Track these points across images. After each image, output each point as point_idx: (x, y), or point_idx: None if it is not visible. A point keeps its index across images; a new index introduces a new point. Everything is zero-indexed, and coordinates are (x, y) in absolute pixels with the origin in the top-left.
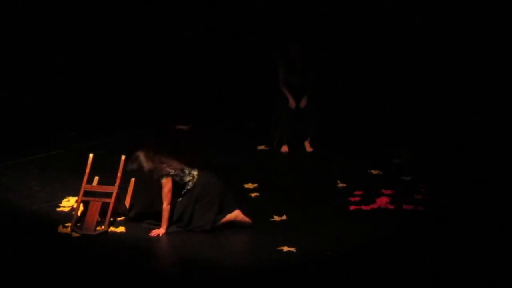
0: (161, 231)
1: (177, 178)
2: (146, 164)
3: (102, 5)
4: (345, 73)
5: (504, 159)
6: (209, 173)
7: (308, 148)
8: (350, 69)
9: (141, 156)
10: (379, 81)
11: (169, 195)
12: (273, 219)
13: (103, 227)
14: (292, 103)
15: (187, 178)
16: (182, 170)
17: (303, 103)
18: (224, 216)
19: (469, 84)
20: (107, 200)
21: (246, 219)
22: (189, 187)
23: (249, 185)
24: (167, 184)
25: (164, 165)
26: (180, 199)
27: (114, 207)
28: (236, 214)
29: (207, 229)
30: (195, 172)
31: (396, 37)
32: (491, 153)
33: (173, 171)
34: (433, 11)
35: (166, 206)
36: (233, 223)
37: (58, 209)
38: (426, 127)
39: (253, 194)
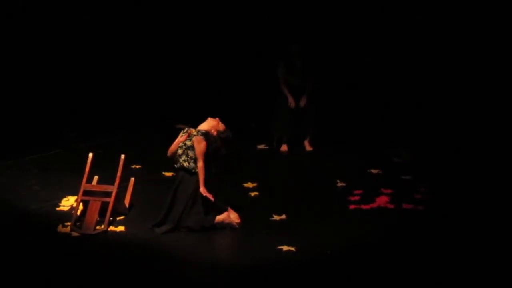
0: (202, 189)
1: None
2: (223, 131)
3: (102, 5)
4: (345, 73)
5: (504, 159)
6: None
7: (308, 148)
8: (350, 69)
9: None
10: (379, 81)
11: (202, 154)
12: (272, 218)
13: (102, 226)
14: (291, 102)
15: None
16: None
17: (302, 102)
18: (214, 217)
19: (469, 84)
20: (106, 199)
21: (234, 222)
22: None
23: (249, 184)
24: (201, 144)
25: (214, 141)
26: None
27: (113, 207)
28: (224, 217)
29: (196, 229)
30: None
31: (395, 37)
32: (491, 153)
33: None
34: (433, 11)
35: (200, 163)
36: (222, 224)
37: (57, 209)
38: (426, 127)
39: (252, 194)
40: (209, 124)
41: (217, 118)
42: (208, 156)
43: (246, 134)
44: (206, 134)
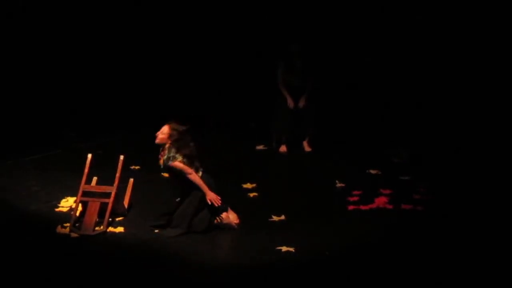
0: (210, 196)
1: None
2: (171, 134)
3: (101, 5)
4: (345, 73)
5: (504, 159)
6: (207, 174)
7: (307, 148)
8: (350, 69)
9: (169, 126)
10: (379, 81)
11: (186, 168)
12: (271, 219)
13: (101, 227)
14: (290, 103)
15: (193, 168)
16: (191, 161)
17: (302, 103)
18: (215, 218)
19: (469, 84)
20: (105, 200)
21: (233, 222)
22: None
23: (248, 185)
24: (178, 165)
25: (180, 145)
26: (179, 199)
27: (112, 207)
28: (224, 217)
29: (198, 230)
30: (201, 169)
31: (395, 37)
32: (491, 153)
33: (181, 158)
34: (433, 11)
35: (191, 176)
36: (221, 224)
37: (56, 210)
38: (426, 127)
39: (251, 194)
40: (164, 140)
41: (157, 133)
42: (191, 159)
43: (246, 135)
44: (171, 156)
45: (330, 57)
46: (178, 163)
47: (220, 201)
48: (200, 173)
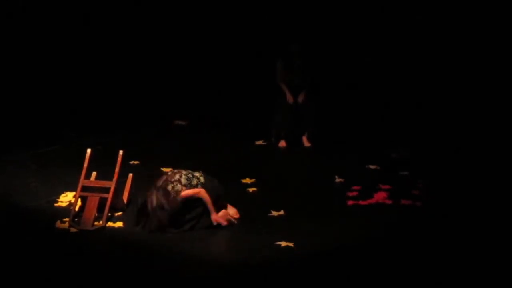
0: (214, 217)
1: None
2: (163, 199)
3: (100, 5)
4: (345, 73)
5: (503, 158)
6: (209, 176)
7: (306, 143)
8: (350, 69)
9: (153, 196)
10: (379, 81)
11: (193, 191)
12: (271, 214)
13: (101, 222)
14: (290, 98)
15: (194, 182)
16: (187, 178)
17: (301, 98)
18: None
19: (469, 84)
20: (105, 195)
21: (233, 218)
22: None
23: (247, 180)
24: (185, 194)
25: (171, 187)
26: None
27: (112, 202)
28: (223, 214)
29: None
30: (197, 174)
31: (396, 37)
32: (490, 152)
33: (180, 187)
34: (433, 11)
35: (200, 194)
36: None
37: (56, 205)
38: (426, 127)
39: (251, 189)
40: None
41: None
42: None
43: (245, 134)
44: (175, 191)
45: (330, 57)
46: (183, 193)
47: (226, 221)
48: (202, 178)
